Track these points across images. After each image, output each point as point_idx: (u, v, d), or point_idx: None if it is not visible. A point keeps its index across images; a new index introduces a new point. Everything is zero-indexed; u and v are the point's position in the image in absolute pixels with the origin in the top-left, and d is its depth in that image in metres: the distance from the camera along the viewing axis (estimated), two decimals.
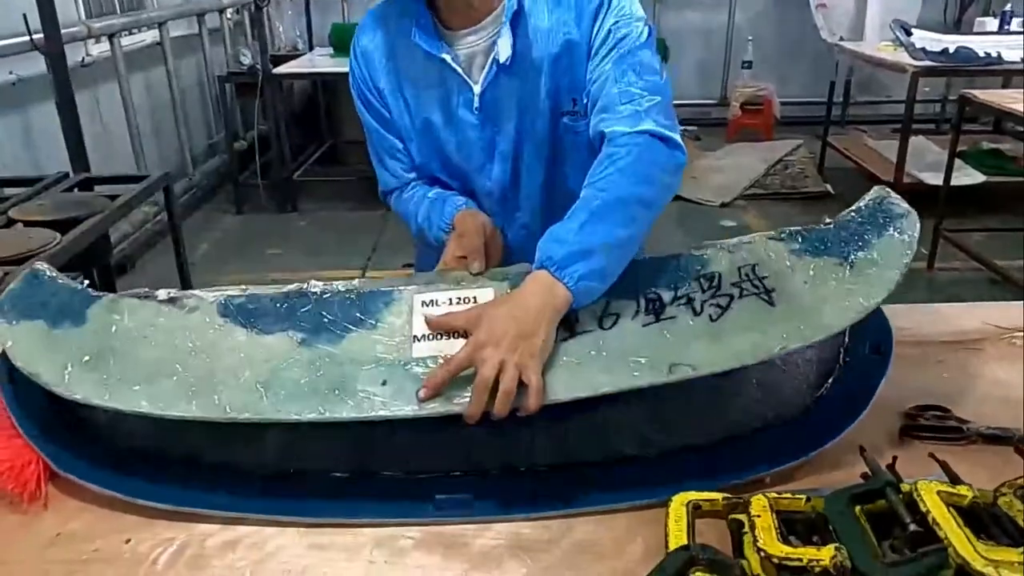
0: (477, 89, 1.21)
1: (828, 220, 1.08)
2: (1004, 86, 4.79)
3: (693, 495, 0.89)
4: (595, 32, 1.18)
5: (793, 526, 0.83)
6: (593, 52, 1.18)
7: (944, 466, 0.88)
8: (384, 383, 0.93)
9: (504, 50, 1.17)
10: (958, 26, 6.11)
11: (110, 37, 4.10)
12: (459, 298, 1.02)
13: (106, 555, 0.88)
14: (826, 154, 5.55)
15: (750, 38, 6.47)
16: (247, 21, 6.07)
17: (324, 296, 1.04)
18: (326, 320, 1.01)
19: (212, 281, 3.84)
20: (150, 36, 4.78)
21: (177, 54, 4.92)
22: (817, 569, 0.75)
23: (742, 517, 0.85)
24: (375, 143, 1.34)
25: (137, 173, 4.00)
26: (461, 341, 0.94)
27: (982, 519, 0.79)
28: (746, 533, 0.83)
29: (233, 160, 5.17)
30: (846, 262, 1.00)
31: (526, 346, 0.91)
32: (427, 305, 1.01)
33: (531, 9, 1.19)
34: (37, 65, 3.35)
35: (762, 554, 0.78)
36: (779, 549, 0.77)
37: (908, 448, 0.99)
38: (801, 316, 0.96)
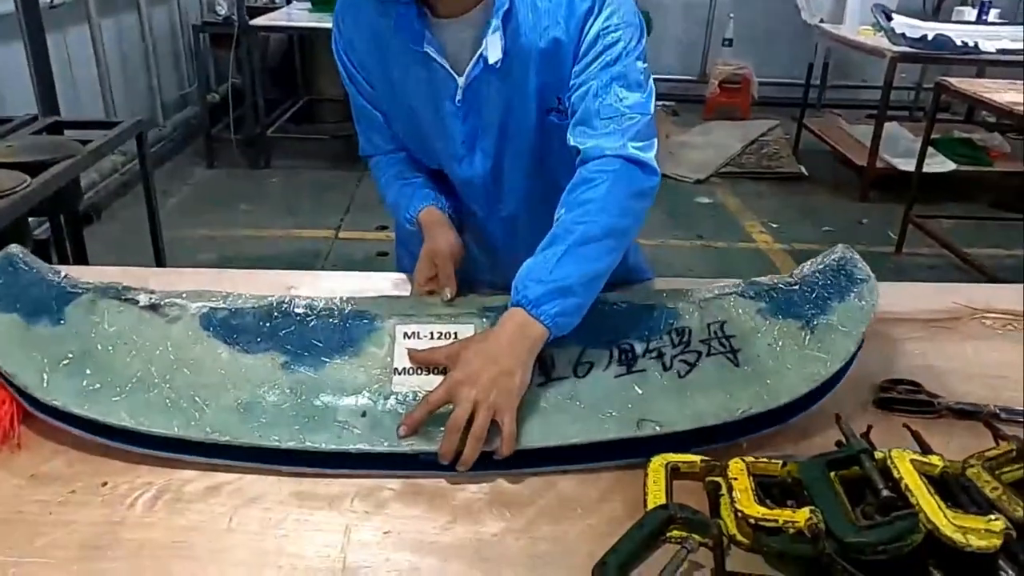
0: (461, 82, 1.14)
1: (792, 278, 1.14)
2: (978, 76, 4.85)
3: (671, 457, 0.91)
4: (584, 34, 1.11)
5: (769, 489, 0.85)
6: (580, 55, 1.12)
7: (917, 436, 0.90)
8: (364, 415, 0.96)
9: (494, 52, 1.10)
10: (936, 14, 6.17)
11: None
12: (440, 332, 1.04)
13: (82, 497, 0.88)
14: (801, 136, 5.60)
15: (731, 15, 6.47)
16: None
17: (307, 318, 1.06)
18: (308, 344, 1.03)
19: (183, 236, 3.82)
20: None
21: (150, 0, 4.79)
22: (792, 530, 0.77)
23: (719, 479, 0.87)
24: (357, 111, 1.30)
25: (107, 119, 3.91)
26: (441, 377, 0.96)
27: (951, 488, 0.81)
28: (723, 495, 0.85)
29: (205, 112, 5.06)
30: (808, 326, 1.06)
31: (503, 384, 0.92)
32: (409, 337, 1.04)
33: (520, 4, 1.11)
34: (2, 3, 3.24)
35: (739, 515, 0.79)
36: (756, 510, 0.79)
37: (881, 419, 1.02)
38: (762, 381, 1.01)
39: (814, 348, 1.04)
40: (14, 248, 1.11)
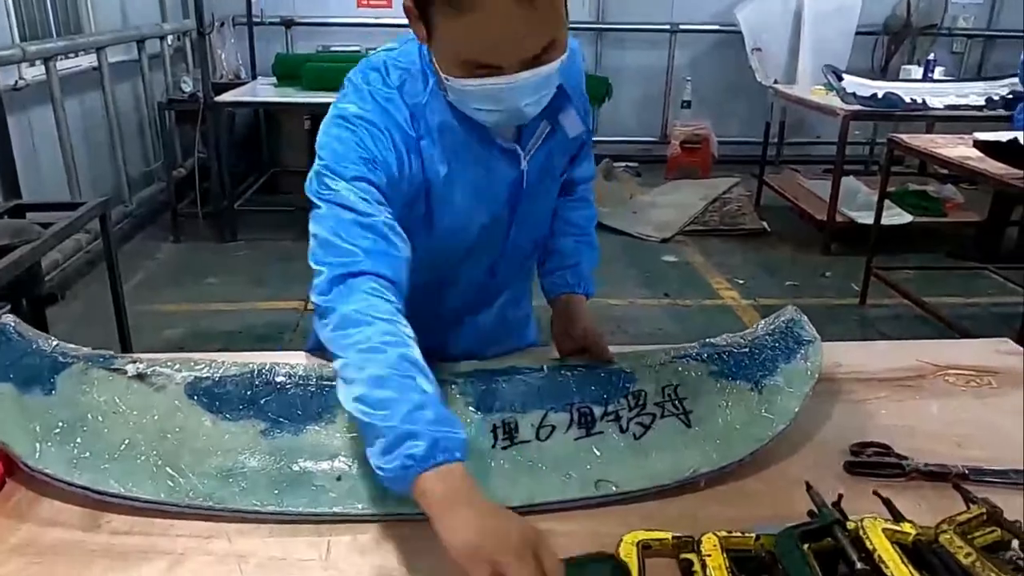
0: (524, 165, 1.15)
1: (744, 339, 1.21)
2: (928, 130, 5.02)
3: (642, 534, 0.90)
4: (584, 118, 1.25)
5: (744, 564, 0.85)
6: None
7: (888, 503, 0.90)
8: (339, 479, 1.00)
9: (573, 128, 1.19)
10: (884, 73, 6.40)
11: (46, 61, 4.00)
12: None
13: None
14: (762, 192, 5.73)
15: (688, 79, 6.66)
16: (188, 48, 6.00)
17: (287, 386, 1.11)
18: (287, 412, 1.08)
19: (147, 311, 3.78)
20: (87, 61, 4.68)
21: (115, 79, 4.81)
22: None
23: (692, 556, 0.86)
24: (346, 217, 0.99)
25: (71, 199, 3.89)
26: None
27: (925, 556, 0.81)
28: (696, 571, 0.84)
29: (171, 188, 5.06)
30: (757, 387, 1.14)
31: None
32: None
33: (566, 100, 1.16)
34: None
35: None
36: None
37: (851, 484, 1.01)
38: (712, 441, 1.07)
39: (762, 410, 1.10)
40: (7, 318, 1.17)
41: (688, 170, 6.39)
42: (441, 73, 1.00)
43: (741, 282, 4.41)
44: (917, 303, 3.83)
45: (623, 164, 6.63)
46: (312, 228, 1.02)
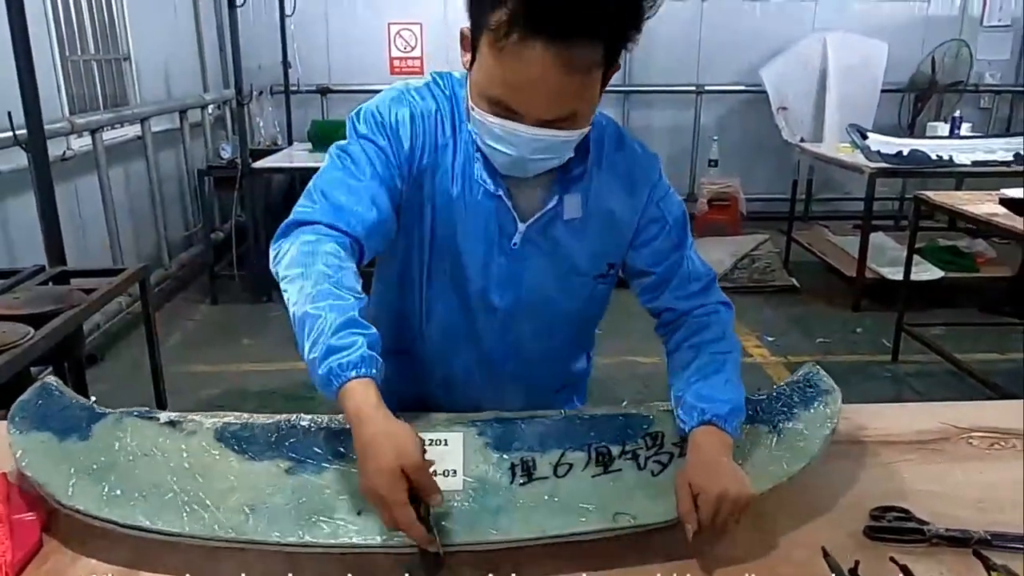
0: (522, 228, 1.19)
1: (763, 392, 1.25)
2: (957, 187, 5.01)
3: None
4: (646, 209, 1.24)
5: None
6: (648, 220, 1.25)
7: (905, 570, 0.90)
8: (359, 513, 1.02)
9: (572, 210, 1.19)
10: (911, 130, 6.42)
11: (92, 132, 4.19)
12: (432, 440, 1.12)
13: None
14: (791, 249, 5.72)
15: (715, 137, 6.73)
16: (228, 116, 6.23)
17: (311, 430, 1.15)
18: (312, 452, 1.11)
19: (184, 372, 3.85)
20: (132, 131, 4.88)
21: (158, 148, 5.01)
22: None
23: None
24: (343, 171, 1.15)
25: (113, 266, 4.03)
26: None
27: None
28: None
29: (210, 251, 5.21)
30: (775, 430, 1.17)
31: (743, 495, 1.00)
32: None
33: (590, 175, 1.19)
34: (16, 158, 3.40)
35: None
36: None
37: (870, 550, 1.01)
38: None
39: (779, 449, 1.14)
40: (50, 379, 1.24)
41: (717, 227, 6.41)
42: (470, 100, 1.08)
43: (771, 339, 4.40)
44: (950, 360, 3.78)
45: None
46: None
